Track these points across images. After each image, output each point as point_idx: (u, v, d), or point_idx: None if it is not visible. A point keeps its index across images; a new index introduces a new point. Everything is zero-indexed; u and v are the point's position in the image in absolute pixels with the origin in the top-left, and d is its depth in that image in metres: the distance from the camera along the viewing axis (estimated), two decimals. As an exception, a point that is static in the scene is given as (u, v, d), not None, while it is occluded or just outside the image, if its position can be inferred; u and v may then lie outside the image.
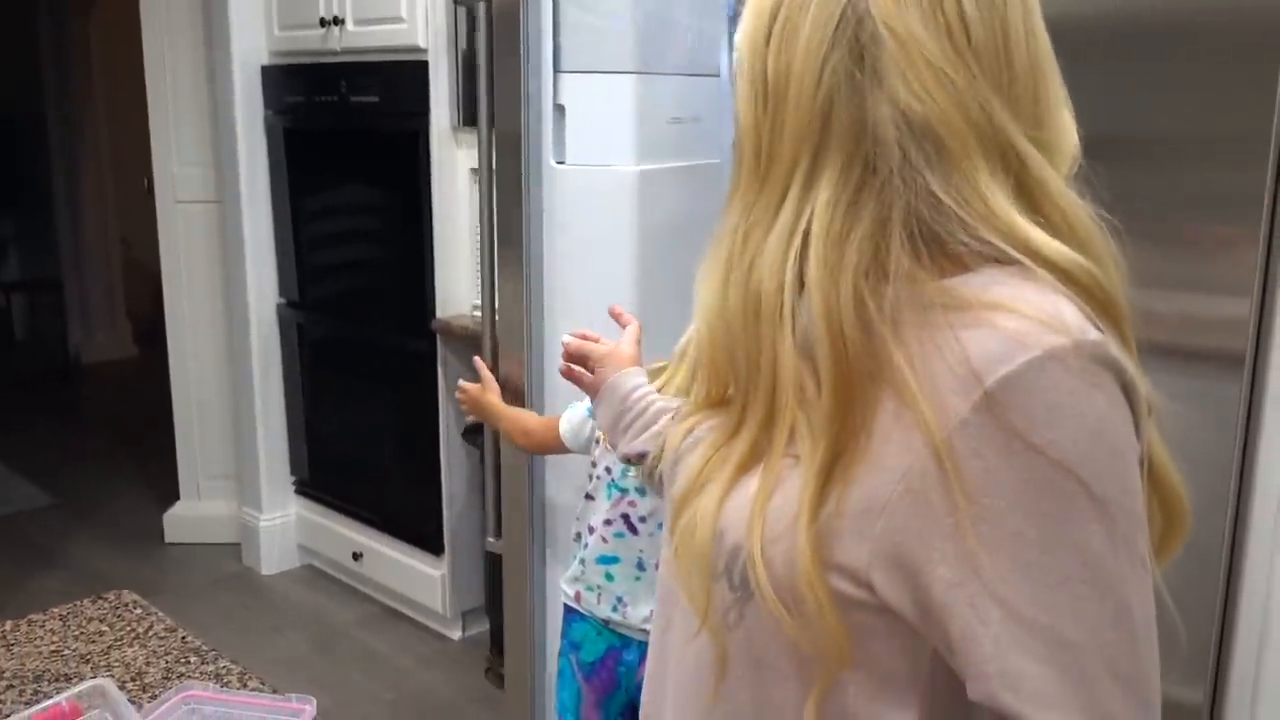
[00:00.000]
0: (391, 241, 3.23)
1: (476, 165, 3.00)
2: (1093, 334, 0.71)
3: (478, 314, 3.09)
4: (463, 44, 2.93)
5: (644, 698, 0.94)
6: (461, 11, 2.91)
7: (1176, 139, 1.39)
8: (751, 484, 0.78)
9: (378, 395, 3.38)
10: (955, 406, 0.69)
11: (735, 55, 0.80)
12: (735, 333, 0.79)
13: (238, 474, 3.82)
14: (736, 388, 0.81)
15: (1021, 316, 0.70)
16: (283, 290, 3.59)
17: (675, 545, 0.82)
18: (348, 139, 3.26)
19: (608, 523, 1.85)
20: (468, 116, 2.97)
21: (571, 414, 1.94)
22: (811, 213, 0.75)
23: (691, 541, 0.80)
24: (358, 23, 3.09)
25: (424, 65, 2.95)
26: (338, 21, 3.12)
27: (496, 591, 3.07)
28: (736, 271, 0.78)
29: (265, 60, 3.44)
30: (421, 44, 2.93)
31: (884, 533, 0.71)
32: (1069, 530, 0.69)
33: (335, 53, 3.17)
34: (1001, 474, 0.68)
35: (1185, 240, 1.38)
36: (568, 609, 1.92)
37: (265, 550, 3.73)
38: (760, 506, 0.76)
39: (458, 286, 3.11)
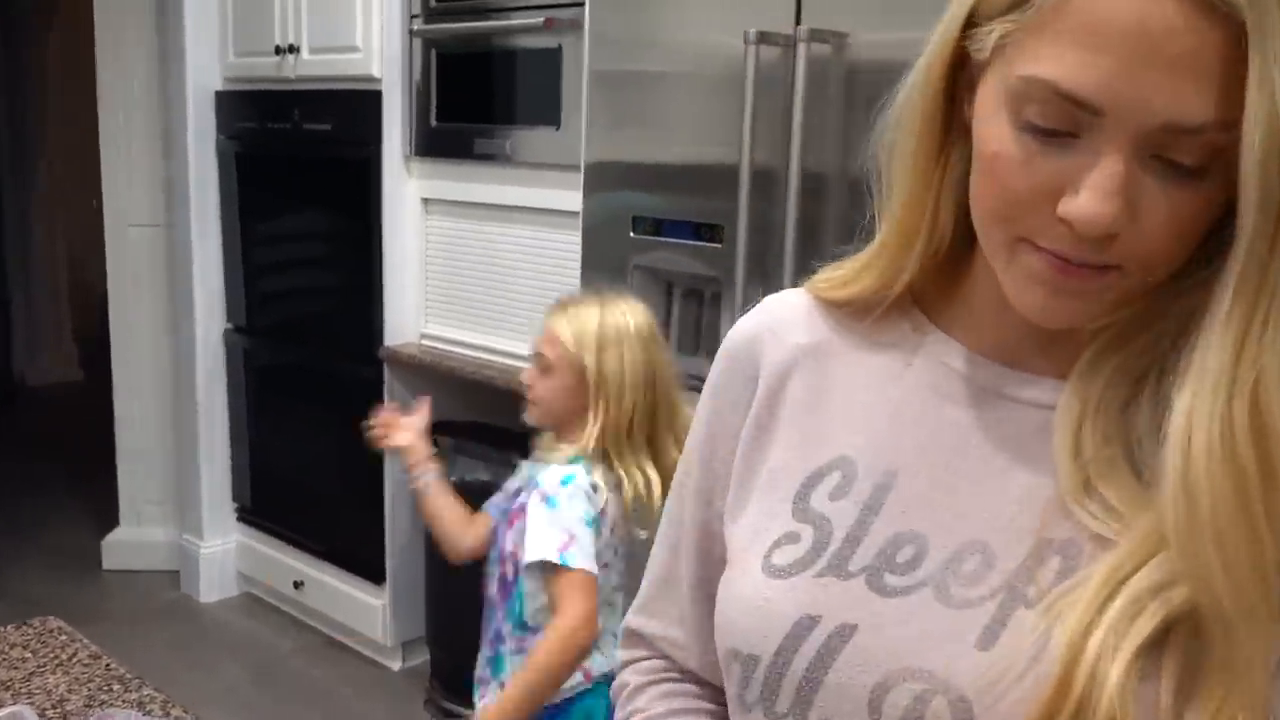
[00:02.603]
0: (341, 269, 3.20)
1: (429, 195, 3.00)
2: None
3: (425, 342, 3.07)
4: (417, 75, 2.92)
5: None
6: (417, 42, 2.91)
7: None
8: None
9: (323, 423, 3.34)
10: None
11: None
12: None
13: (179, 500, 3.76)
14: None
15: None
16: (230, 316, 3.55)
17: None
18: (300, 166, 3.24)
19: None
20: (420, 146, 2.96)
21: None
22: None
23: None
24: (313, 51, 3.08)
25: (377, 95, 2.94)
26: (293, 49, 3.11)
27: (437, 622, 3.03)
28: (1237, 398, 0.59)
29: (219, 85, 3.41)
30: (375, 74, 2.93)
31: None
32: None
33: (289, 80, 3.16)
34: None
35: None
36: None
37: (205, 578, 3.66)
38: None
39: (405, 315, 3.09)
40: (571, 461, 1.71)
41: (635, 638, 0.93)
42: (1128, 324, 0.66)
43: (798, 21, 1.83)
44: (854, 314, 0.78)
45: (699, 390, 2.12)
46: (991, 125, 0.63)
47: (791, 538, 0.72)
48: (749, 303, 1.89)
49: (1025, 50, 0.61)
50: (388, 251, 3.02)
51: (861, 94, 1.78)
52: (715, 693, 0.86)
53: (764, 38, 1.83)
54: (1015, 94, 0.61)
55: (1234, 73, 0.56)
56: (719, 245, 1.98)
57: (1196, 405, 0.59)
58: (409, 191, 3.03)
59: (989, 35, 0.63)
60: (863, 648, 0.67)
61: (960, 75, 0.67)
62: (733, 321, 1.89)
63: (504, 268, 2.85)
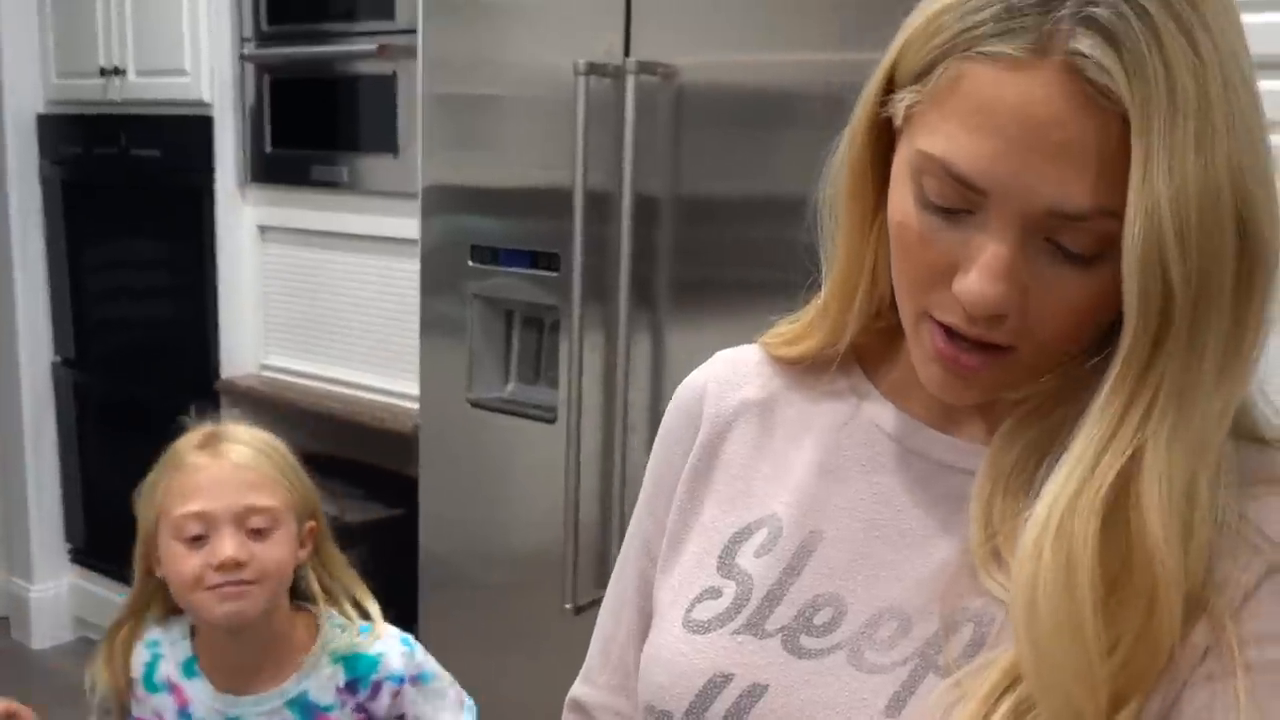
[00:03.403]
0: (175, 299, 3.10)
1: (265, 223, 2.93)
2: None
3: (266, 373, 2.99)
4: (250, 99, 2.85)
5: None
6: (249, 66, 2.84)
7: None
8: None
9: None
10: (1244, 581, 0.59)
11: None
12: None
13: (5, 541, 3.57)
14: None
15: None
16: (58, 348, 3.40)
17: None
18: (129, 193, 3.13)
19: None
20: (255, 173, 2.89)
21: None
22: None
23: None
24: (139, 73, 2.98)
25: (208, 120, 2.86)
26: (118, 71, 3.00)
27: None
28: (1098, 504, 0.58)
29: (41, 108, 3.27)
30: (206, 98, 2.85)
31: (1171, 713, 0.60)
32: None
33: (116, 103, 3.05)
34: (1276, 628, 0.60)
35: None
36: None
37: (36, 623, 3.49)
38: None
39: (244, 346, 3.01)
40: (364, 632, 1.35)
41: (577, 710, 0.88)
42: (1046, 397, 0.65)
43: (626, 53, 1.85)
44: (804, 371, 0.78)
45: (537, 420, 2.10)
46: (898, 194, 0.64)
47: (713, 593, 0.72)
48: (587, 329, 1.91)
49: (926, 124, 0.61)
50: (223, 280, 2.94)
51: (689, 120, 1.81)
52: None
53: (593, 69, 1.85)
54: (915, 167, 0.62)
55: (1119, 163, 0.56)
56: (556, 273, 1.99)
57: (1050, 490, 0.59)
58: (244, 219, 2.95)
59: (900, 103, 0.63)
60: (773, 709, 0.66)
61: (887, 136, 0.67)
62: (571, 349, 1.91)
63: (345, 297, 2.80)
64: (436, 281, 2.20)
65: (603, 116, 1.86)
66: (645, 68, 1.81)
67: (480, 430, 2.14)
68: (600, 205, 1.89)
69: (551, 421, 2.01)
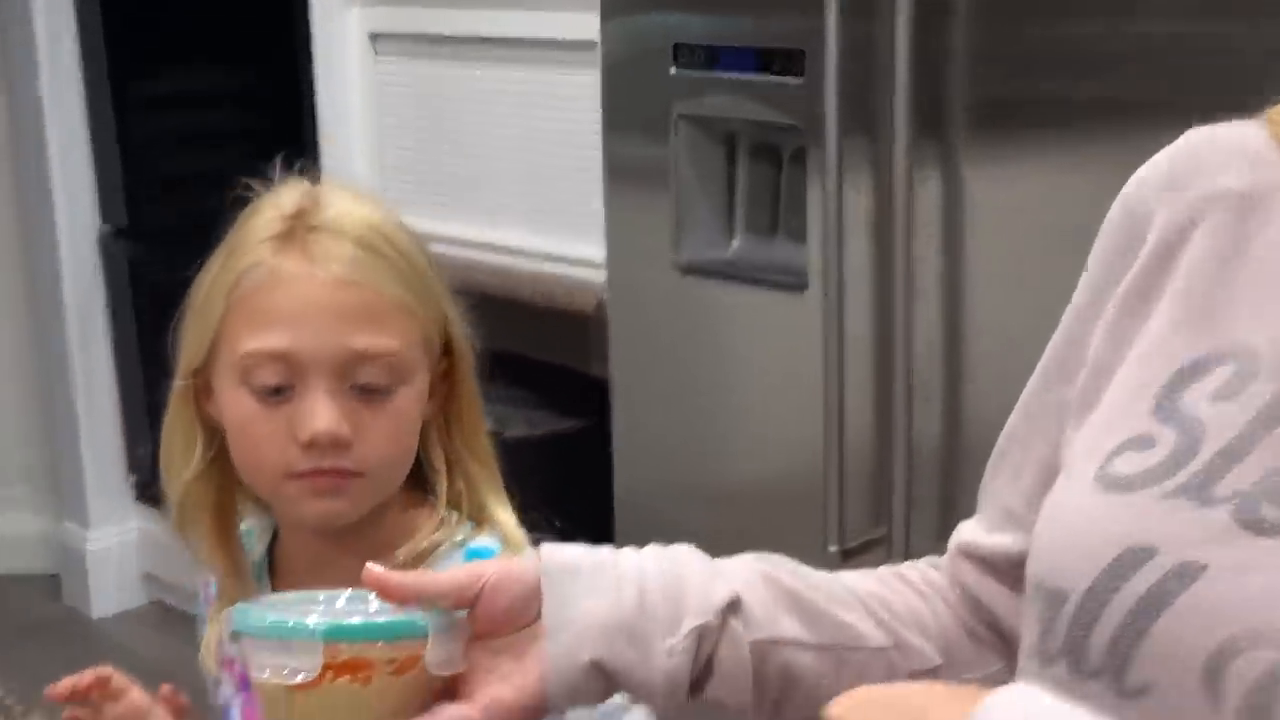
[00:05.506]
0: (258, 142, 3.21)
1: (378, 29, 3.00)
2: None
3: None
4: None
5: None
6: None
7: None
8: None
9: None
10: None
11: None
12: None
13: (51, 477, 3.83)
14: None
15: None
16: (106, 214, 3.59)
17: None
18: (193, 3, 3.25)
19: None
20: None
21: None
22: None
23: None
24: None
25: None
26: None
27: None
28: None
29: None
30: None
31: None
32: None
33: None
34: None
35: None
36: None
37: (96, 582, 3.73)
38: None
39: (354, 202, 3.12)
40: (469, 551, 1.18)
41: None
42: None
43: None
44: None
45: (779, 288, 2.12)
46: None
47: (1143, 442, 0.74)
48: (848, 163, 1.91)
49: None
50: (323, 112, 3.04)
51: None
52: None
53: None
54: None
55: None
56: (799, 80, 1.99)
57: None
58: (349, 24, 3.02)
59: None
60: (1211, 597, 0.67)
61: None
62: (822, 188, 1.91)
63: (491, 128, 2.86)
64: (624, 103, 2.23)
65: None
66: None
67: (694, 306, 2.17)
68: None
69: (801, 290, 2.02)
